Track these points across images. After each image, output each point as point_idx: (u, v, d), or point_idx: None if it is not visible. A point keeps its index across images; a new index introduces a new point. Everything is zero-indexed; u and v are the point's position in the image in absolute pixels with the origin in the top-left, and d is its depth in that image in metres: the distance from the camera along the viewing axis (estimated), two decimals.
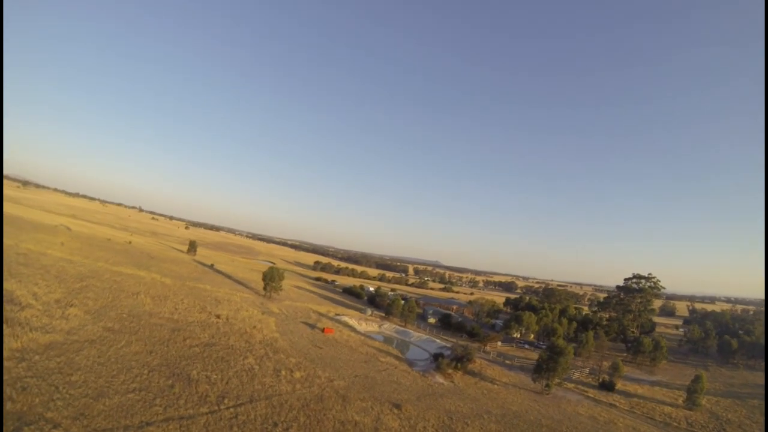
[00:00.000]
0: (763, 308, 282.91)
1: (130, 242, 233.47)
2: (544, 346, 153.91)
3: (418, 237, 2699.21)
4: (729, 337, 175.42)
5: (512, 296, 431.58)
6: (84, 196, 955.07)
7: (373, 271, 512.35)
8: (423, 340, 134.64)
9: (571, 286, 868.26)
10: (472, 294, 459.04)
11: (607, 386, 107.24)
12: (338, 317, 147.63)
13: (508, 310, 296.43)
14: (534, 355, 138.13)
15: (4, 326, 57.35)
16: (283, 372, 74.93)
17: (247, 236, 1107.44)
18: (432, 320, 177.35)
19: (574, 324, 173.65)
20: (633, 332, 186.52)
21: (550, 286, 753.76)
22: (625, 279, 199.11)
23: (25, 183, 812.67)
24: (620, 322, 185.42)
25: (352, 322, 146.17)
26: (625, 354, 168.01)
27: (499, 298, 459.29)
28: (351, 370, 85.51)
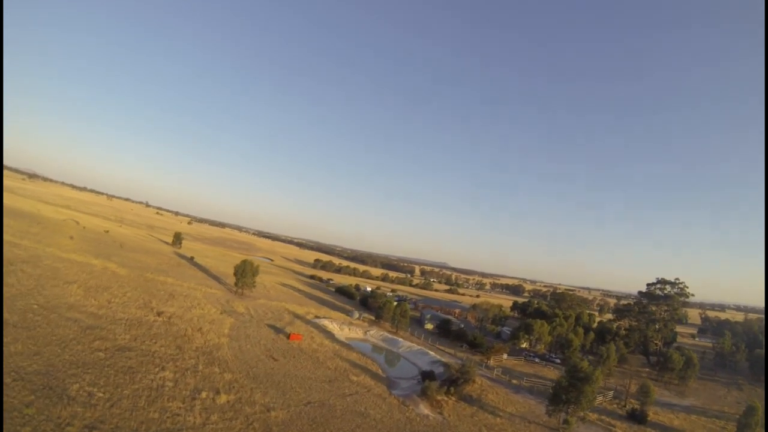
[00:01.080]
0: None
1: (107, 231, 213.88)
2: (557, 360, 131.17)
3: (426, 238, 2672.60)
4: (760, 350, 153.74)
5: (520, 300, 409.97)
6: (92, 191, 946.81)
7: (377, 271, 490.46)
8: (414, 351, 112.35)
9: (578, 291, 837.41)
10: (477, 297, 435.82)
11: (638, 417, 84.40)
12: (317, 320, 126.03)
13: (516, 315, 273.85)
14: (547, 372, 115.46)
15: None
16: (204, 394, 54.05)
17: (254, 234, 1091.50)
18: (429, 326, 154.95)
19: (591, 335, 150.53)
20: (656, 344, 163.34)
21: (558, 290, 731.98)
22: (648, 284, 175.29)
23: (32, 176, 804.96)
24: (643, 333, 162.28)
25: (333, 326, 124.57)
26: (648, 370, 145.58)
27: (506, 301, 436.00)
28: (305, 393, 63.48)
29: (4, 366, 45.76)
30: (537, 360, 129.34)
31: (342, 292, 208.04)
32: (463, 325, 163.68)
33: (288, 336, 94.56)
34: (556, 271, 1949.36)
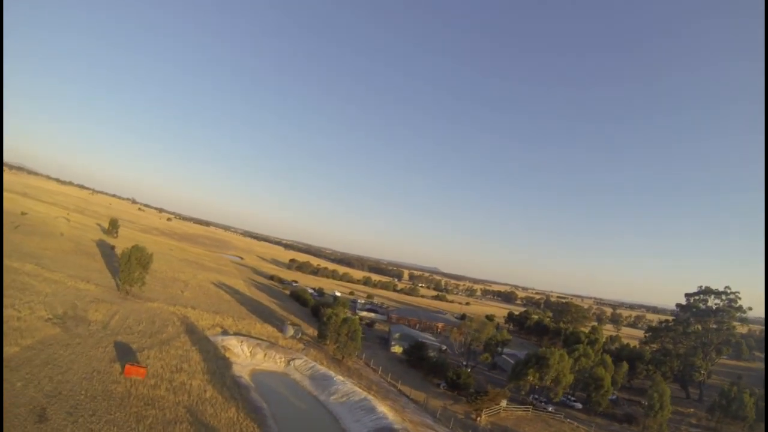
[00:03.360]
0: None
1: (24, 213, 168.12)
2: (577, 404, 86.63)
3: (418, 243, 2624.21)
4: None
5: (513, 309, 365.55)
6: (80, 186, 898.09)
7: (360, 274, 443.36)
8: (353, 402, 64.82)
9: (571, 299, 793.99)
10: (467, 304, 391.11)
11: None
12: (221, 338, 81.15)
13: (511, 328, 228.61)
14: None
15: None
16: None
17: (241, 233, 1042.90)
18: (397, 349, 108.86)
19: (625, 366, 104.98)
20: (701, 374, 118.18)
21: (551, 299, 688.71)
22: (688, 294, 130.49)
23: (19, 168, 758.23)
24: (686, 360, 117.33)
25: (241, 349, 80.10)
26: (692, 410, 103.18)
27: (498, 309, 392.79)
28: None
29: None
30: (551, 408, 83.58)
31: (297, 297, 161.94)
32: (445, 347, 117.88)
33: (123, 369, 48.86)
34: (547, 278, 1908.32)
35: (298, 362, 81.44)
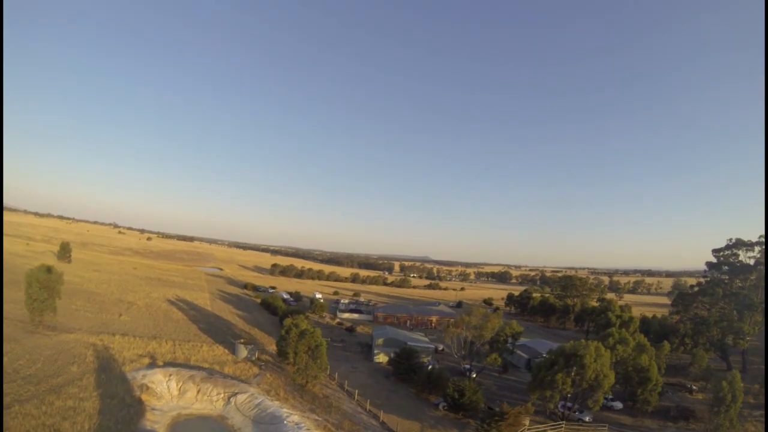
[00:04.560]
0: None
1: None
2: (617, 405, 65.74)
3: (406, 234, 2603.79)
4: None
5: (511, 290, 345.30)
6: (60, 217, 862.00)
7: (347, 271, 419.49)
8: None
9: (565, 271, 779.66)
10: (462, 289, 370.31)
11: None
12: (144, 373, 58.54)
13: (512, 311, 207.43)
14: None
15: None
16: None
17: (227, 245, 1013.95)
18: (381, 358, 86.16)
19: (666, 346, 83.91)
20: (745, 342, 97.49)
21: (546, 274, 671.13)
22: (716, 250, 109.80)
23: None
24: (729, 326, 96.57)
25: (167, 386, 59.92)
26: (745, 385, 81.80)
27: (494, 291, 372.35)
28: None
29: None
30: (588, 418, 61.87)
31: (266, 306, 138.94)
32: (441, 347, 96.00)
33: None
34: (539, 254, 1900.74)
35: (241, 398, 58.62)
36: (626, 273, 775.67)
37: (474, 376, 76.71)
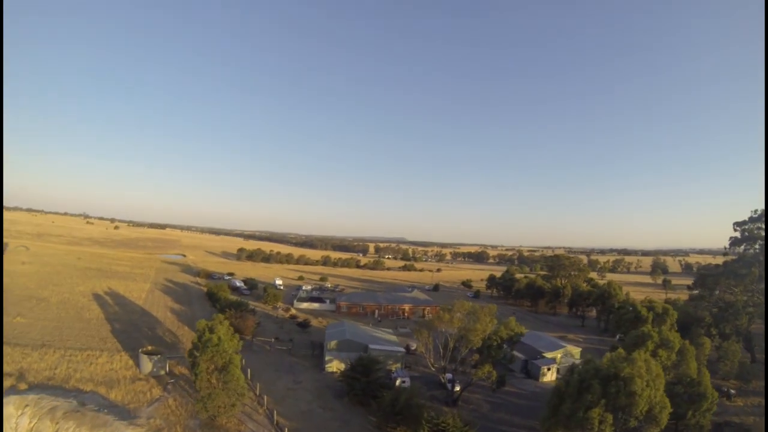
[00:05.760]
0: None
1: None
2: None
3: (382, 216, 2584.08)
4: None
5: (490, 270, 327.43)
6: (29, 210, 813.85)
7: (318, 254, 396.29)
8: None
9: (542, 251, 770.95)
10: (439, 270, 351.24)
11: None
12: None
13: (494, 293, 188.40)
14: None
15: None
16: None
17: (200, 231, 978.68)
18: (335, 366, 64.38)
19: (707, 344, 64.74)
20: None
21: (523, 253, 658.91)
22: (738, 224, 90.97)
23: None
24: (756, 311, 78.43)
25: (15, 425, 40.77)
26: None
27: (473, 272, 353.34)
28: None
29: None
30: None
31: (211, 295, 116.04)
32: (414, 347, 75.12)
33: None
34: (514, 233, 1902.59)
35: None
36: (602, 252, 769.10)
37: (458, 390, 56.14)
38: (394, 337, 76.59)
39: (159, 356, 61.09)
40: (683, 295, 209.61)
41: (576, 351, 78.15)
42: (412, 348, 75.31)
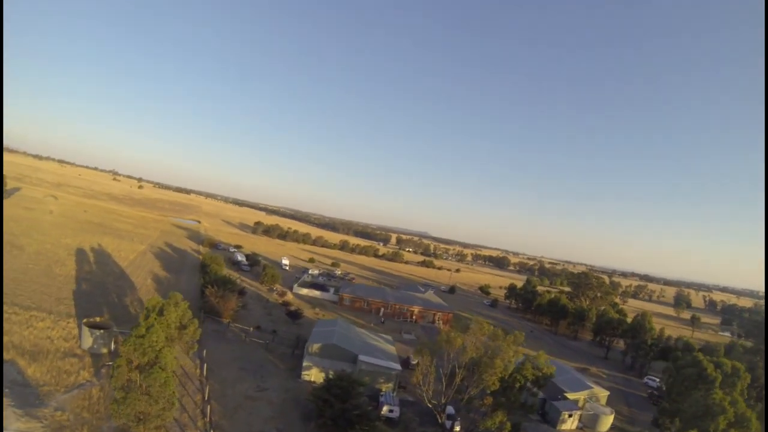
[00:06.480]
0: None
1: None
2: None
3: (409, 208, 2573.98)
4: None
5: (509, 277, 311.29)
6: (62, 161, 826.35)
7: (338, 237, 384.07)
8: None
9: (563, 265, 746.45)
10: (457, 271, 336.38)
11: None
12: None
13: (512, 305, 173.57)
14: None
15: None
16: None
17: (225, 201, 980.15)
18: (314, 375, 52.75)
19: None
20: None
21: (545, 264, 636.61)
22: None
23: None
24: None
25: None
26: None
27: (492, 278, 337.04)
28: None
29: None
30: None
31: (204, 268, 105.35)
32: (415, 362, 62.49)
33: None
34: (538, 242, 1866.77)
35: None
36: (624, 275, 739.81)
37: (457, 431, 43.75)
38: (392, 348, 64.02)
39: (105, 330, 50.27)
40: (711, 336, 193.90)
41: (603, 395, 63.99)
42: (414, 363, 62.80)
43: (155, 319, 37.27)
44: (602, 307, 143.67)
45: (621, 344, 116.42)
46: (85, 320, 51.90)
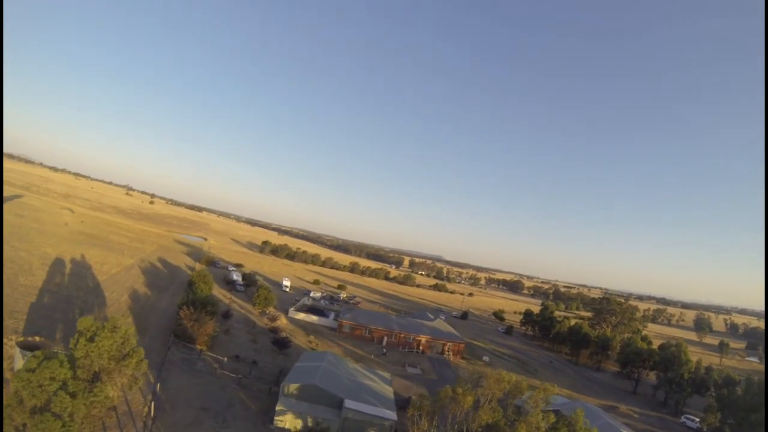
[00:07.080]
0: None
1: None
2: None
3: (422, 231, 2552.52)
4: None
5: (524, 301, 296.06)
6: (77, 174, 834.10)
7: (348, 259, 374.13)
8: None
9: (578, 288, 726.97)
10: (470, 295, 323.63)
11: None
12: None
13: (528, 331, 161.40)
14: None
15: None
16: None
17: (237, 220, 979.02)
18: (289, 422, 42.83)
19: None
20: None
21: (560, 288, 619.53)
22: None
23: (8, 156, 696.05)
24: None
25: None
26: None
27: (506, 302, 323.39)
28: None
29: None
30: None
31: (191, 285, 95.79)
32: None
33: None
34: (552, 266, 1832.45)
35: None
36: (640, 298, 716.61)
37: None
38: (389, 389, 53.31)
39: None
40: (738, 362, 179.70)
41: None
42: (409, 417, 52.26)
43: (98, 344, 28.30)
44: (626, 335, 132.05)
45: (651, 376, 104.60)
46: (20, 339, 42.84)
